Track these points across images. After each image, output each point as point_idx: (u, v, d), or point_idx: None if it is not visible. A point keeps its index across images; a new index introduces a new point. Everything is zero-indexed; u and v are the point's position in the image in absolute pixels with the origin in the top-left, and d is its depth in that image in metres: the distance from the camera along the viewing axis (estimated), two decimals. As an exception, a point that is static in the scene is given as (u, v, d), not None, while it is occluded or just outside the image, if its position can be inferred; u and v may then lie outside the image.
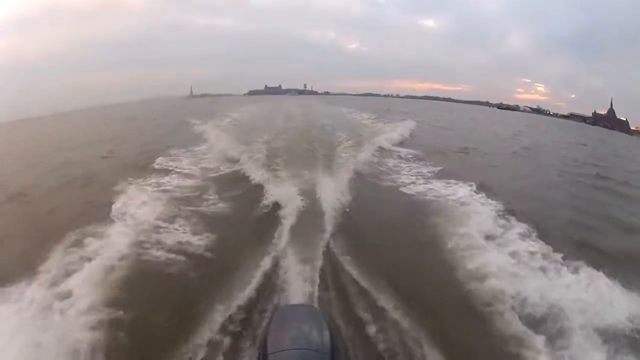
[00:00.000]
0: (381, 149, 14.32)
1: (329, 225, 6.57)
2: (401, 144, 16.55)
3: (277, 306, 4.39)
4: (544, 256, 5.71)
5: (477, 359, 4.02)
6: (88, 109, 45.20)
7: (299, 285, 4.80)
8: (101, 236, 6.07)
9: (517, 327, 4.21)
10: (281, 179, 9.51)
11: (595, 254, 6.31)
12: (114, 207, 7.48)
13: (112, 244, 5.78)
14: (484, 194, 8.73)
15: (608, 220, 8.71)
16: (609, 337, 4.16)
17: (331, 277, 5.12)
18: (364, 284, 4.88)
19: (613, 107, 69.67)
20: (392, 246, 6.34)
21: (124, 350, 3.91)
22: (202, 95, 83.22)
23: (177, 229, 6.64)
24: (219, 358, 3.80)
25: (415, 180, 10.45)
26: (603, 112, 71.41)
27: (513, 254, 5.70)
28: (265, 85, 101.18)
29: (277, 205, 7.46)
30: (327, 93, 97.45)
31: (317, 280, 4.93)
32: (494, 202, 8.13)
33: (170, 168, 11.08)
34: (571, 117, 77.57)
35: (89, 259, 5.31)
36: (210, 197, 8.36)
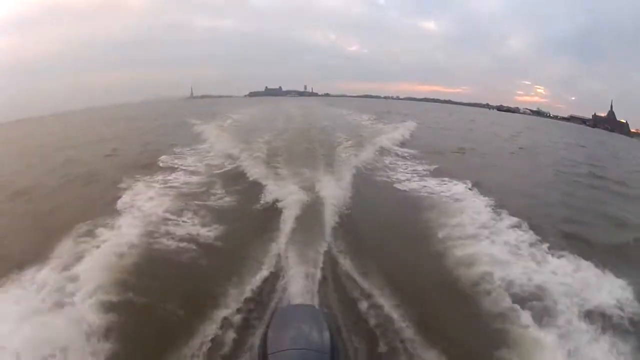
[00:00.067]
0: (381, 149, 14.50)
1: (329, 224, 6.58)
2: (401, 144, 16.74)
3: (277, 306, 4.35)
4: (533, 245, 5.95)
5: (473, 343, 4.14)
6: (88, 109, 45.25)
7: (299, 284, 4.75)
8: (111, 227, 6.26)
9: (504, 304, 4.43)
10: (282, 177, 9.67)
11: (585, 245, 6.55)
12: (122, 201, 7.67)
13: (122, 234, 5.96)
14: (479, 192, 8.94)
15: (600, 217, 8.91)
16: (595, 317, 4.37)
17: (331, 276, 5.10)
18: (364, 283, 4.86)
19: (613, 110, 69.82)
20: (393, 244, 6.39)
21: (130, 332, 4.04)
22: (203, 97, 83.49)
23: (186, 221, 6.81)
24: (219, 358, 3.77)
25: (413, 179, 10.64)
26: (603, 114, 71.57)
27: (503, 243, 5.94)
28: (266, 87, 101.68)
29: (278, 204, 7.53)
30: (327, 95, 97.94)
31: (318, 280, 4.88)
32: (487, 198, 8.31)
33: (176, 166, 11.24)
34: (571, 119, 77.65)
35: (100, 247, 5.52)
36: (213, 195, 8.47)
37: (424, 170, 11.72)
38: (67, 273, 4.88)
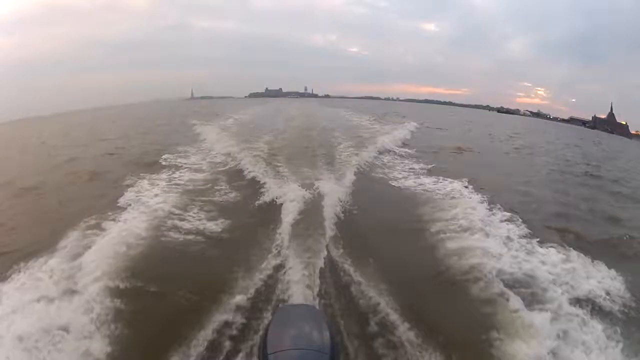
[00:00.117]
0: (380, 149, 14.68)
1: (329, 223, 6.57)
2: (400, 143, 16.94)
3: (277, 306, 4.33)
4: (524, 237, 6.18)
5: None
6: (88, 109, 45.35)
7: (299, 284, 4.74)
8: (118, 221, 6.45)
9: (495, 291, 4.65)
10: (283, 176, 9.84)
11: (576, 239, 6.78)
12: (128, 198, 7.85)
13: (130, 227, 6.14)
14: (474, 189, 9.16)
15: (593, 213, 9.14)
16: (584, 304, 4.55)
17: (331, 276, 5.10)
18: (365, 283, 4.86)
19: (613, 111, 69.97)
20: (393, 242, 6.44)
21: (135, 319, 4.15)
22: (203, 98, 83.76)
23: (192, 216, 7.01)
24: (218, 357, 3.76)
25: (411, 177, 10.83)
26: (603, 116, 71.71)
27: (496, 236, 6.17)
28: (266, 88, 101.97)
29: (279, 202, 7.60)
30: (327, 96, 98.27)
31: (317, 280, 4.86)
32: (482, 195, 8.49)
33: (180, 164, 11.43)
34: (571, 120, 77.83)
35: (108, 238, 5.72)
36: (218, 192, 8.63)
37: (423, 168, 11.93)
38: (76, 262, 5.02)
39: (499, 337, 3.95)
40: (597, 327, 4.15)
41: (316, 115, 31.35)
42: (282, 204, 7.43)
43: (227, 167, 11.24)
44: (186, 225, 6.69)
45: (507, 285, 4.77)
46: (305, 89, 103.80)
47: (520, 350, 3.77)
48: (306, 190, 8.12)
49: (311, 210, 7.14)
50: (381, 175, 11.06)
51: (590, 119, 73.95)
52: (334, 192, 8.13)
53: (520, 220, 6.87)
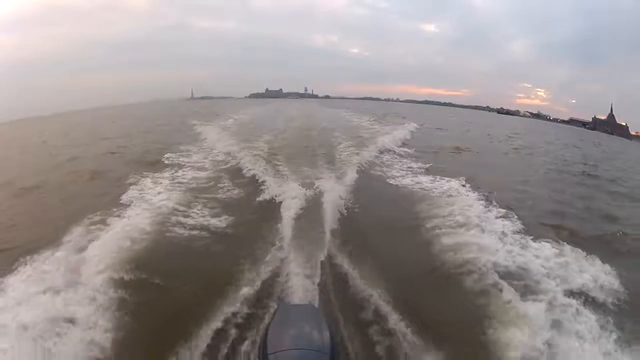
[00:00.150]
0: (380, 148, 14.81)
1: (329, 221, 6.61)
2: (400, 143, 17.08)
3: (277, 305, 4.31)
4: (519, 233, 6.33)
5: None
6: (88, 109, 45.12)
7: (300, 279, 4.77)
8: (122, 217, 6.58)
9: (489, 282, 4.80)
10: (284, 174, 9.98)
11: (571, 235, 6.94)
12: (131, 195, 7.98)
13: (133, 222, 6.28)
14: (472, 187, 9.29)
15: (589, 211, 9.28)
16: (577, 295, 4.68)
17: (331, 274, 5.14)
18: (364, 283, 4.87)
19: (613, 113, 69.86)
20: (392, 241, 6.49)
21: (137, 311, 4.26)
22: (203, 98, 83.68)
23: (196, 212, 7.15)
24: (221, 351, 3.79)
25: (410, 176, 10.96)
26: (603, 117, 71.55)
27: (491, 231, 6.32)
28: (266, 89, 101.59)
29: (280, 200, 7.70)
30: (327, 97, 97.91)
31: (317, 278, 4.88)
32: (479, 193, 8.68)
33: (182, 163, 11.55)
34: (571, 122, 77.64)
35: (112, 232, 5.84)
36: (219, 190, 8.72)
37: (421, 167, 12.08)
38: (81, 255, 5.15)
39: (493, 327, 4.08)
40: (590, 317, 4.27)
41: (316, 116, 31.45)
42: (283, 202, 7.54)
43: (229, 165, 11.35)
44: (190, 221, 6.82)
45: (501, 277, 4.91)
46: (306, 90, 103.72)
47: (514, 338, 3.89)
48: (307, 188, 8.22)
49: (312, 208, 7.26)
50: (380, 174, 11.18)
51: (590, 120, 73.84)
52: (334, 190, 8.22)
53: (515, 217, 7.00)
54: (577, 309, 4.39)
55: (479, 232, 6.24)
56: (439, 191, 9.22)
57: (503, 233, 6.26)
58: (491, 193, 8.65)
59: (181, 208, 7.35)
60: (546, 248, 5.82)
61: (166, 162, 11.67)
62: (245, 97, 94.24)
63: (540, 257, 5.53)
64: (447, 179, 10.20)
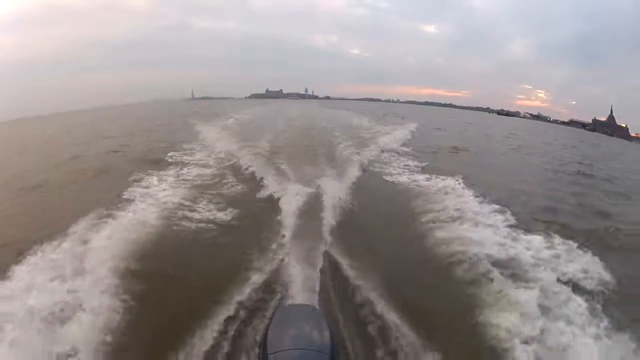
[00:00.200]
0: (380, 148, 15.04)
1: (329, 222, 6.63)
2: (399, 143, 17.27)
3: (278, 306, 4.31)
4: (511, 226, 6.55)
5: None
6: (88, 109, 45.30)
7: (300, 284, 4.75)
8: (128, 211, 6.78)
9: (482, 271, 5.03)
10: (285, 172, 10.17)
11: (562, 229, 7.08)
12: (136, 192, 8.17)
13: (139, 217, 6.49)
14: (468, 185, 9.47)
15: (581, 207, 9.50)
16: (566, 283, 4.88)
17: (331, 273, 5.16)
18: (364, 283, 4.85)
19: (613, 114, 69.88)
20: (391, 237, 6.63)
21: (140, 300, 4.38)
22: (203, 98, 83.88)
23: (202, 207, 7.37)
24: (219, 357, 3.77)
25: (410, 175, 11.17)
26: (603, 118, 71.54)
27: (485, 225, 6.56)
28: (267, 89, 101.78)
29: (282, 196, 7.85)
30: (327, 97, 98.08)
31: (318, 280, 4.89)
32: (475, 191, 8.83)
33: (185, 161, 11.76)
34: (571, 123, 77.60)
35: (118, 225, 6.04)
36: (220, 191, 8.80)
37: (420, 166, 12.29)
38: (87, 246, 5.35)
39: (486, 312, 4.29)
40: (578, 303, 4.46)
41: (317, 116, 31.65)
42: (285, 197, 7.71)
43: (232, 162, 11.53)
44: (196, 215, 7.05)
45: (493, 265, 5.13)
46: (306, 90, 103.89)
47: (507, 320, 4.10)
48: (307, 185, 8.42)
49: (312, 206, 7.41)
50: (380, 173, 11.38)
51: (590, 121, 73.93)
52: (334, 187, 8.40)
53: (509, 212, 7.19)
54: (565, 296, 4.57)
55: (472, 225, 6.46)
56: (436, 188, 9.42)
57: (496, 227, 6.48)
58: (486, 191, 8.84)
59: (187, 203, 7.55)
60: (537, 241, 6.01)
61: (170, 160, 11.87)
62: (246, 97, 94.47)
63: (531, 249, 5.75)
64: (445, 177, 10.35)
